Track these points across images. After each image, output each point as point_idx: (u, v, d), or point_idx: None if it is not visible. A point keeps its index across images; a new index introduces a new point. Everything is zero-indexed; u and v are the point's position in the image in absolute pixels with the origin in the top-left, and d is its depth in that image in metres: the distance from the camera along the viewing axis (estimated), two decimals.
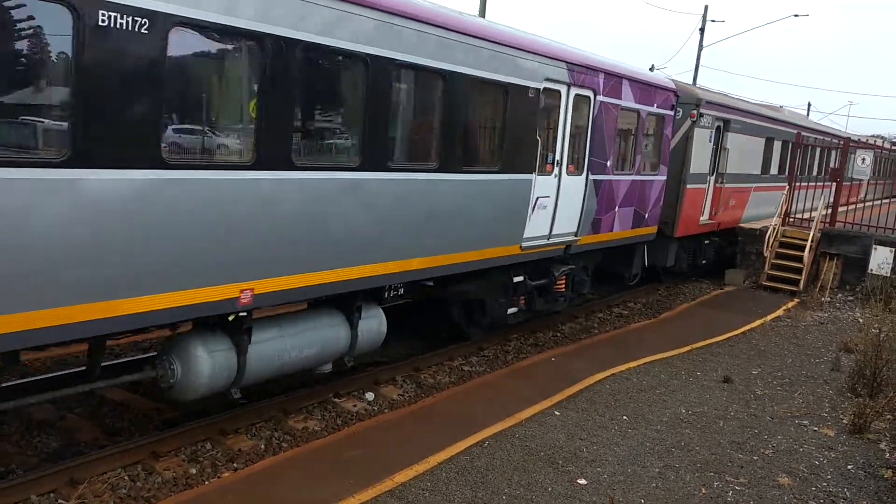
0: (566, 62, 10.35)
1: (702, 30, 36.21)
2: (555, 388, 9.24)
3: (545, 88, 9.97)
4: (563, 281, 11.68)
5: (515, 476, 6.83)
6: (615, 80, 11.68)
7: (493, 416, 8.14)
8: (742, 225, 18.67)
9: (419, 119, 8.62)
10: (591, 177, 11.40)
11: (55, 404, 7.52)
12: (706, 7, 36.14)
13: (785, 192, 18.82)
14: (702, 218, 16.51)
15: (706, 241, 17.47)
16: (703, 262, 17.62)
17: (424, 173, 8.30)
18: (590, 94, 11.03)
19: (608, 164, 11.79)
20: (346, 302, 7.96)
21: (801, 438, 8.47)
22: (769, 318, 14.62)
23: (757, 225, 18.59)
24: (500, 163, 9.40)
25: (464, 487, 6.53)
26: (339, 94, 7.64)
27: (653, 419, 8.59)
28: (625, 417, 8.55)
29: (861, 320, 14.54)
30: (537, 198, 10.16)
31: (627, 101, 12.16)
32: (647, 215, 13.58)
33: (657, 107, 13.34)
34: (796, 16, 39.83)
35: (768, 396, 9.87)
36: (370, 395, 8.69)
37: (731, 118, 16.93)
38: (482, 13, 23.43)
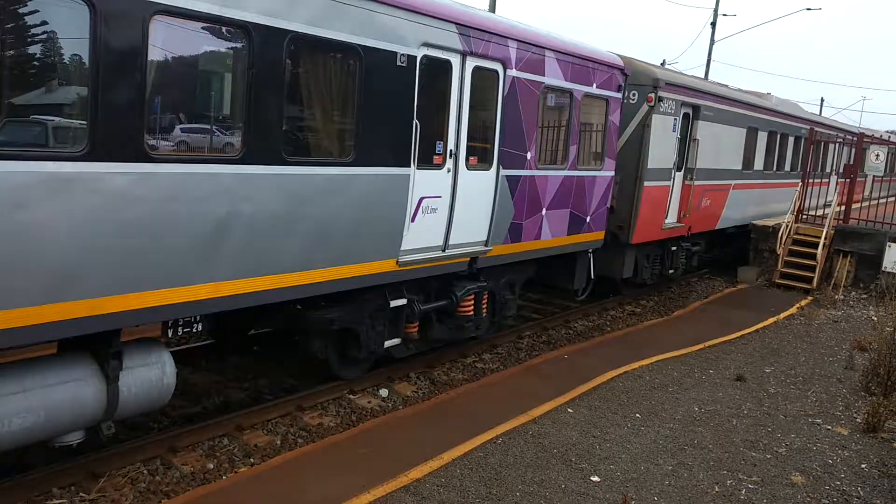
0: (456, 24, 8.25)
1: (713, 24, 36.04)
2: (568, 385, 9.28)
3: (426, 57, 7.91)
4: (471, 302, 9.56)
5: (529, 473, 6.87)
6: (535, 51, 9.55)
7: (506, 412, 8.18)
8: (755, 222, 18.57)
9: (204, 89, 6.30)
10: (504, 172, 9.31)
11: None
12: (717, 1, 36.01)
13: (798, 188, 18.75)
14: (667, 220, 14.26)
15: (674, 248, 15.17)
16: (672, 271, 15.41)
17: (216, 165, 5.99)
18: (497, 67, 8.94)
19: (529, 156, 9.67)
20: (104, 345, 5.87)
21: (815, 437, 8.47)
22: (782, 315, 14.58)
23: (770, 222, 18.50)
24: (353, 152, 7.22)
25: (478, 484, 6.58)
26: (54, 49, 5.22)
27: (666, 417, 8.61)
28: (638, 415, 8.58)
29: (875, 318, 14.50)
30: (421, 198, 8.11)
31: (554, 78, 10.01)
32: (588, 219, 11.43)
33: (598, 87, 11.12)
34: (808, 10, 39.38)
35: (781, 395, 9.87)
36: (384, 392, 8.76)
37: (701, 104, 14.68)
38: (492, 8, 23.43)
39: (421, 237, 8.25)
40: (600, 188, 11.65)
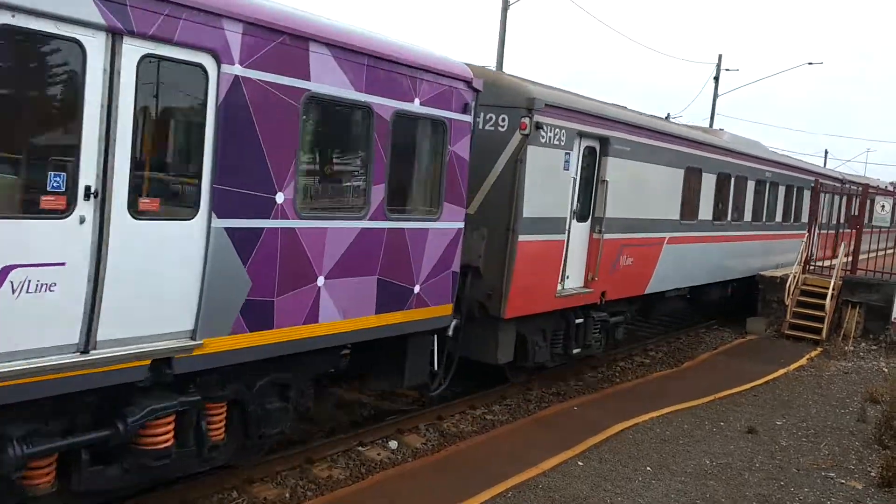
0: None
1: (716, 78, 36.73)
2: (578, 437, 9.23)
3: (6, 28, 4.77)
4: (169, 426, 6.07)
5: None
6: (286, 41, 6.48)
7: (515, 465, 8.13)
8: (763, 273, 18.53)
9: None
10: (224, 222, 6.11)
11: None
12: (720, 56, 36.91)
13: (804, 238, 18.82)
14: (565, 285, 11.01)
15: (580, 320, 11.58)
16: (578, 350, 11.68)
17: None
18: (202, 59, 5.88)
19: (279, 199, 6.56)
20: None
21: (829, 491, 8.37)
22: (792, 367, 14.50)
23: (778, 273, 18.49)
24: None
25: None
26: None
27: (677, 470, 8.53)
28: (648, 468, 8.51)
29: (886, 370, 14.42)
30: (7, 268, 4.92)
31: (330, 85, 6.92)
32: (417, 289, 8.23)
33: (424, 104, 8.01)
34: (810, 63, 40.28)
35: (793, 447, 9.77)
36: (394, 444, 8.73)
37: (611, 135, 11.46)
38: (499, 66, 23.95)
39: (14, 334, 5.03)
40: (437, 245, 8.46)
